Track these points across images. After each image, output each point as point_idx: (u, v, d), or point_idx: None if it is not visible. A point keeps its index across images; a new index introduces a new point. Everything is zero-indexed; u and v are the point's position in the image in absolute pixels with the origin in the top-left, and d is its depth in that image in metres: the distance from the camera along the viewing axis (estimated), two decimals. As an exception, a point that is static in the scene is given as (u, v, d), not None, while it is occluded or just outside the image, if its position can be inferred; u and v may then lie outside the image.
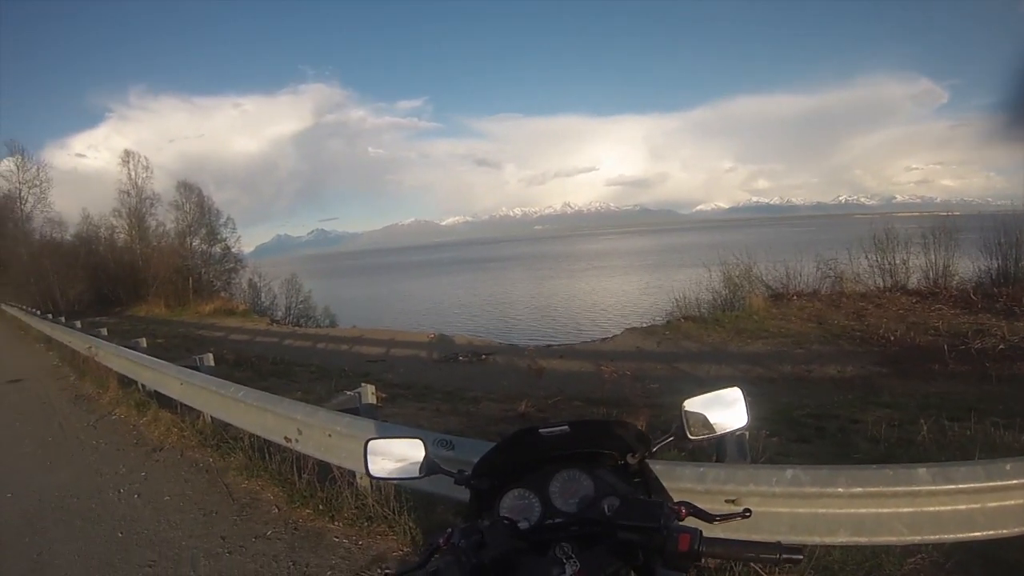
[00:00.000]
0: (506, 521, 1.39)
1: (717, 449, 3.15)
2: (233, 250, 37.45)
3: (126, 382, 8.84)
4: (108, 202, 37.00)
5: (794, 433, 6.30)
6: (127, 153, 37.15)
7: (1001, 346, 10.18)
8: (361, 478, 4.39)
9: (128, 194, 36.34)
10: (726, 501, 2.71)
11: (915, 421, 5.81)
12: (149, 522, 4.69)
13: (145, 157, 37.44)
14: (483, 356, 14.48)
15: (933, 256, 15.72)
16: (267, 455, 5.37)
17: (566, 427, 1.51)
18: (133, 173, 36.44)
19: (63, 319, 18.31)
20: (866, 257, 16.62)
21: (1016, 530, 2.70)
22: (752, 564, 1.14)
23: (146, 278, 32.74)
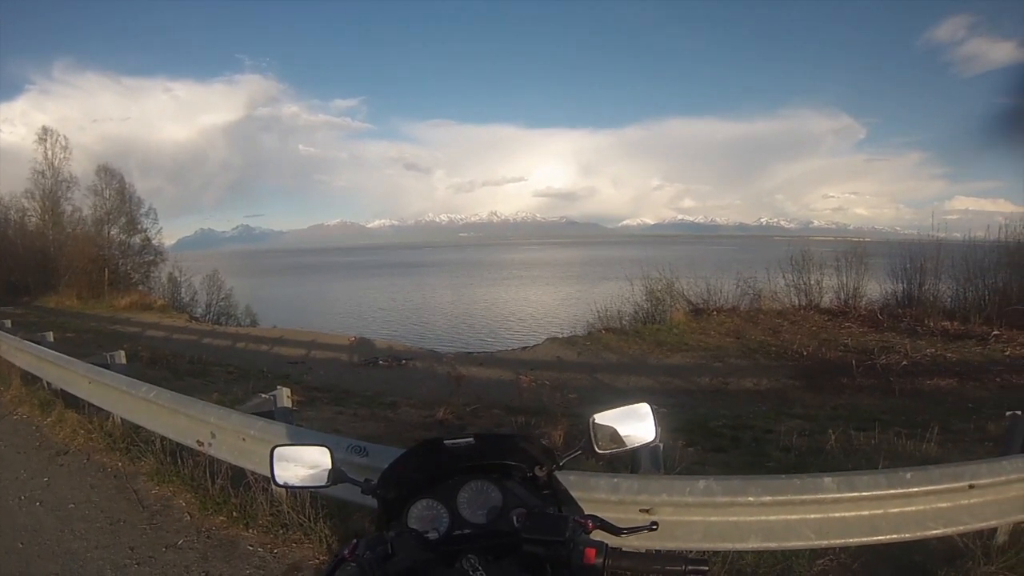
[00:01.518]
0: (414, 532, 1.36)
1: (632, 461, 3.20)
2: (154, 242, 35.49)
3: (30, 379, 8.22)
4: (21, 182, 34.47)
5: (711, 443, 6.47)
6: (45, 130, 34.43)
7: (904, 362, 10.77)
8: (276, 487, 4.26)
9: (43, 175, 33.72)
10: (640, 511, 2.74)
11: (825, 431, 6.05)
12: (52, 532, 4.40)
13: (64, 136, 34.92)
14: (403, 361, 14.36)
15: (845, 278, 16.63)
16: (179, 459, 5.12)
17: (471, 439, 1.50)
18: (50, 152, 33.92)
19: (-37, 308, 17.17)
20: (783, 277, 17.33)
21: (918, 534, 2.85)
22: None
23: (58, 267, 30.62)
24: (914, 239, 16.73)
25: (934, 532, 2.90)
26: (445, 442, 1.50)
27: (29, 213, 34.41)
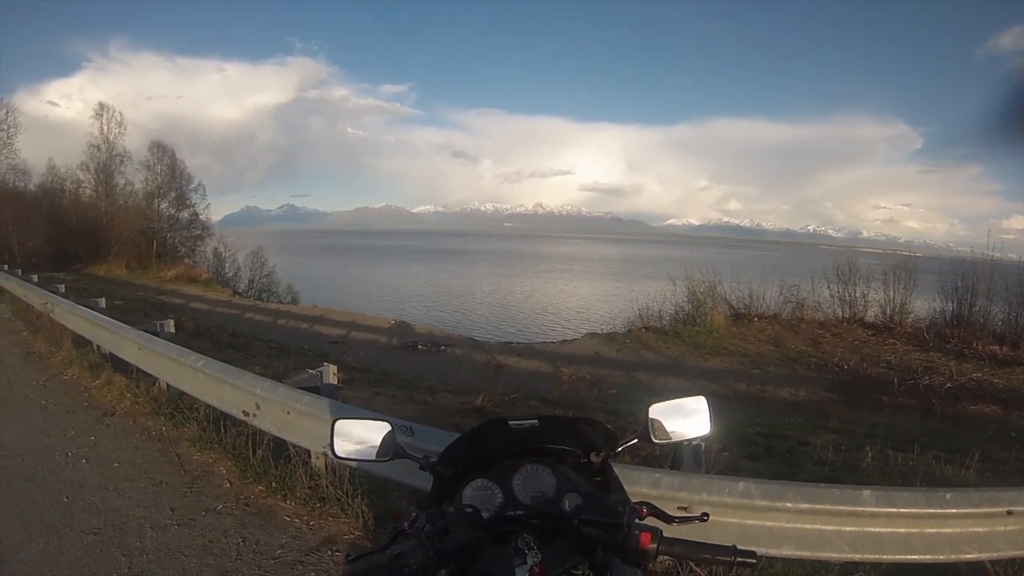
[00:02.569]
0: (469, 509, 1.42)
1: (673, 457, 3.21)
2: (201, 217, 36.38)
3: (81, 342, 8.53)
4: (76, 155, 35.26)
5: (745, 450, 6.43)
6: (101, 106, 35.58)
7: (948, 384, 10.51)
8: (316, 458, 4.33)
9: (98, 149, 34.81)
10: (679, 508, 2.76)
11: (861, 448, 5.96)
12: (96, 489, 4.53)
13: (120, 112, 36.02)
14: (442, 347, 14.47)
15: (892, 292, 16.27)
16: (222, 428, 5.22)
17: (536, 421, 1.55)
18: (105, 128, 34.98)
19: (19, 271, 17.75)
20: (828, 287, 17.02)
21: (951, 557, 2.82)
22: (706, 565, 1.18)
23: (109, 237, 31.51)
24: (967, 257, 16.26)
25: (968, 556, 2.85)
26: (510, 423, 1.55)
27: (83, 185, 35.56)
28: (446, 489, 1.59)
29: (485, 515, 1.45)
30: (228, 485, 4.61)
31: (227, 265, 33.51)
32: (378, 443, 1.74)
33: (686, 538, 1.26)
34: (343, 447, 1.77)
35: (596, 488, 1.58)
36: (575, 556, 1.30)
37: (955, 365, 11.69)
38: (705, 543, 1.24)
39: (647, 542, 1.21)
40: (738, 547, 1.21)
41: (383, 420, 1.80)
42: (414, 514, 1.37)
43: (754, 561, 1.21)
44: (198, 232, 36.09)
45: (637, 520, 1.31)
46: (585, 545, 1.29)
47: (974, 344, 13.24)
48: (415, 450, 1.78)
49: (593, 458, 1.62)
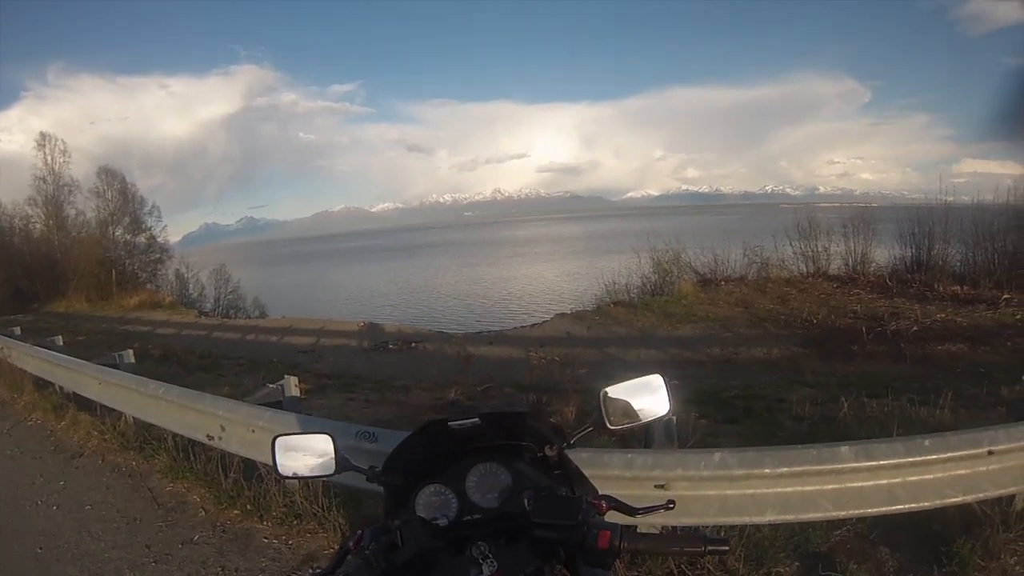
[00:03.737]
0: (421, 520, 1.34)
1: (645, 435, 3.16)
2: (159, 240, 35.53)
3: (42, 384, 8.24)
4: (23, 190, 34.51)
5: (723, 414, 6.45)
6: (43, 136, 34.30)
7: (915, 328, 10.70)
8: (280, 478, 4.25)
9: (44, 180, 33.64)
10: (655, 486, 2.71)
11: (836, 399, 6.01)
12: (70, 534, 4.41)
13: (63, 140, 34.85)
14: (413, 344, 14.35)
15: (852, 244, 16.52)
16: (192, 455, 5.13)
17: (476, 419, 1.44)
18: (50, 158, 33.84)
19: (-28, 319, 17.24)
20: (790, 244, 17.22)
21: (936, 502, 2.82)
22: (676, 557, 1.11)
23: (66, 271, 30.66)
24: (922, 203, 16.57)
25: (953, 500, 2.86)
26: (449, 423, 1.45)
27: (33, 220, 34.40)
28: (400, 498, 1.50)
29: (441, 522, 1.37)
30: (203, 513, 4.52)
31: (191, 286, 32.87)
32: (326, 455, 1.62)
33: (652, 528, 1.18)
34: (289, 464, 1.66)
35: (556, 483, 1.48)
36: (534, 560, 1.21)
37: (920, 308, 11.89)
38: (673, 534, 1.17)
39: (606, 541, 1.12)
40: (708, 536, 1.13)
41: (325, 432, 1.68)
42: (359, 531, 1.27)
43: (726, 548, 1.13)
44: (157, 255, 35.31)
45: (598, 516, 1.23)
46: (544, 548, 1.21)
47: (936, 286, 13.49)
48: (381, 456, 1.69)
49: (548, 451, 1.51)
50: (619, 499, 1.31)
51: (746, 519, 2.82)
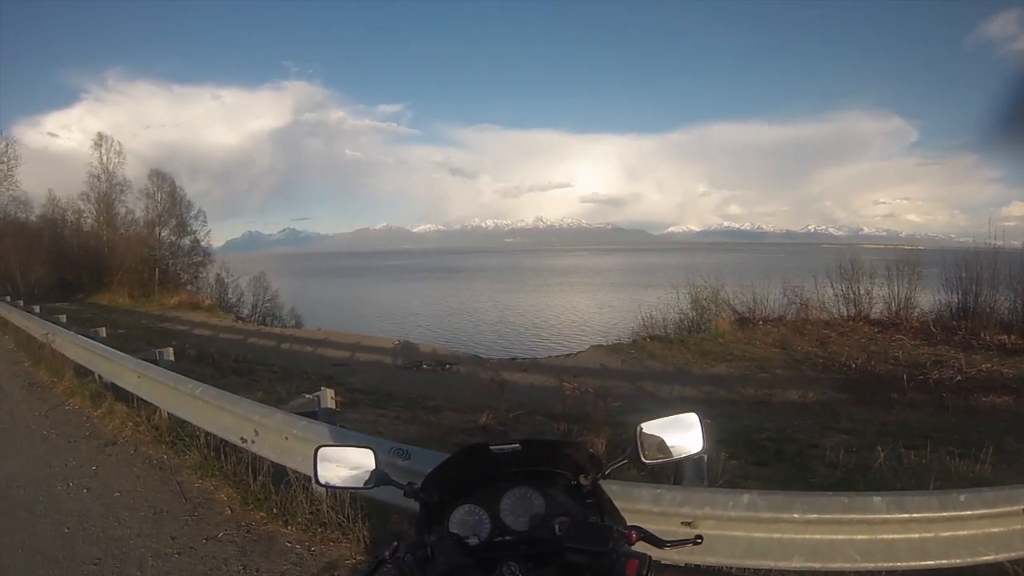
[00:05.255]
0: (454, 537, 1.37)
1: (675, 471, 3.15)
2: (202, 243, 36.53)
3: (82, 372, 8.54)
4: (77, 185, 35.51)
5: (754, 456, 6.36)
6: (100, 136, 35.84)
7: (958, 378, 10.39)
8: (319, 487, 4.30)
9: (98, 178, 35.04)
10: (682, 524, 2.70)
11: (872, 448, 5.87)
12: (97, 518, 4.53)
13: (118, 142, 36.26)
14: (447, 365, 14.44)
15: (896, 288, 16.13)
16: (223, 455, 5.22)
17: (517, 445, 1.49)
18: (105, 157, 35.21)
19: (21, 302, 17.81)
20: (832, 286, 16.92)
21: (968, 560, 2.74)
22: None
23: (111, 266, 31.70)
24: (969, 247, 16.17)
25: (986, 558, 2.78)
26: (491, 448, 1.51)
27: (84, 215, 35.85)
28: (434, 515, 1.54)
29: (473, 542, 1.41)
30: (229, 512, 4.59)
31: (230, 291, 33.59)
32: (365, 469, 1.69)
33: (683, 560, 1.20)
34: (328, 474, 1.72)
35: (587, 511, 1.52)
36: None
37: (964, 357, 11.56)
38: (699, 568, 1.18)
39: (633, 570, 1.16)
40: (732, 574, 1.15)
41: (367, 446, 1.74)
42: (395, 543, 1.32)
43: None
44: (200, 258, 36.22)
45: (627, 546, 1.26)
46: (573, 572, 1.23)
47: (982, 335, 13.11)
48: (412, 473, 1.73)
49: (583, 480, 1.56)
50: (648, 531, 1.33)
51: (771, 563, 2.78)
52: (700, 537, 1.39)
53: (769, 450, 6.64)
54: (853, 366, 11.97)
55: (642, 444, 1.60)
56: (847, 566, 2.77)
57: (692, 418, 1.64)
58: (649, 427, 1.61)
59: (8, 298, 19.69)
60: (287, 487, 4.48)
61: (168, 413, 6.30)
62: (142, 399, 6.71)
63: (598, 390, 9.46)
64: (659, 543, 1.34)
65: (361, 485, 1.68)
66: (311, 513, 4.23)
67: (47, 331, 10.45)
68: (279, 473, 4.64)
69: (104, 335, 9.81)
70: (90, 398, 7.66)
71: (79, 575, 3.74)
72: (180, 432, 5.97)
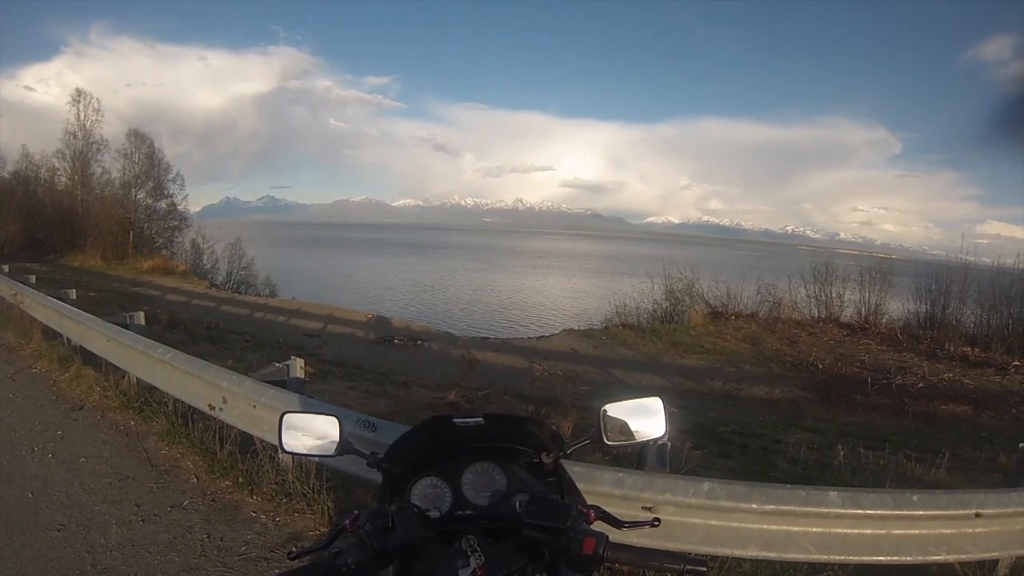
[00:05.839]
0: (415, 508, 1.37)
1: (638, 457, 3.19)
2: (179, 208, 35.87)
3: (51, 334, 8.33)
4: (52, 142, 34.71)
5: (718, 448, 6.45)
6: (79, 92, 34.80)
7: (921, 384, 10.66)
8: (283, 454, 4.26)
9: (74, 136, 34.03)
10: (643, 508, 2.73)
11: (833, 446, 6.00)
12: (62, 484, 4.46)
13: (97, 99, 35.32)
14: (419, 341, 14.44)
15: (867, 294, 16.52)
16: (190, 422, 5.16)
17: (481, 419, 1.50)
18: (83, 114, 34.21)
19: (-10, 262, 17.44)
20: (805, 287, 17.22)
21: (919, 558, 2.82)
22: (655, 572, 1.15)
23: (84, 227, 30.97)
24: (942, 260, 16.53)
25: (936, 558, 2.85)
26: (455, 420, 1.51)
27: (59, 173, 34.84)
28: (396, 486, 1.54)
29: (434, 514, 1.41)
30: (195, 480, 4.55)
31: (205, 257, 33.11)
32: (330, 438, 1.68)
33: (637, 544, 1.22)
34: (293, 441, 1.71)
35: (548, 489, 1.53)
36: (520, 559, 1.25)
37: (928, 365, 11.86)
38: (655, 550, 1.20)
39: (591, 547, 1.17)
40: (688, 555, 1.17)
41: (332, 414, 1.74)
42: (355, 512, 1.32)
43: (704, 570, 1.16)
44: (176, 223, 35.57)
45: (585, 524, 1.26)
46: (531, 548, 1.25)
47: (946, 345, 13.45)
48: (378, 446, 1.73)
49: (544, 458, 1.57)
50: (608, 511, 1.35)
51: (728, 551, 2.83)
52: (658, 520, 1.41)
53: (734, 443, 6.74)
54: (820, 366, 12.19)
55: (605, 426, 1.61)
56: (801, 557, 2.83)
57: (656, 403, 1.65)
58: (613, 409, 1.63)
59: (-24, 258, 19.27)
60: (254, 456, 4.45)
61: (136, 378, 6.18)
62: (111, 364, 6.57)
63: (567, 374, 9.53)
64: (617, 524, 1.35)
65: (326, 453, 1.68)
66: (277, 483, 4.20)
67: (15, 292, 10.22)
68: (246, 442, 4.59)
69: (74, 297, 9.59)
70: (58, 361, 7.50)
71: (43, 541, 3.68)
72: (148, 398, 5.87)
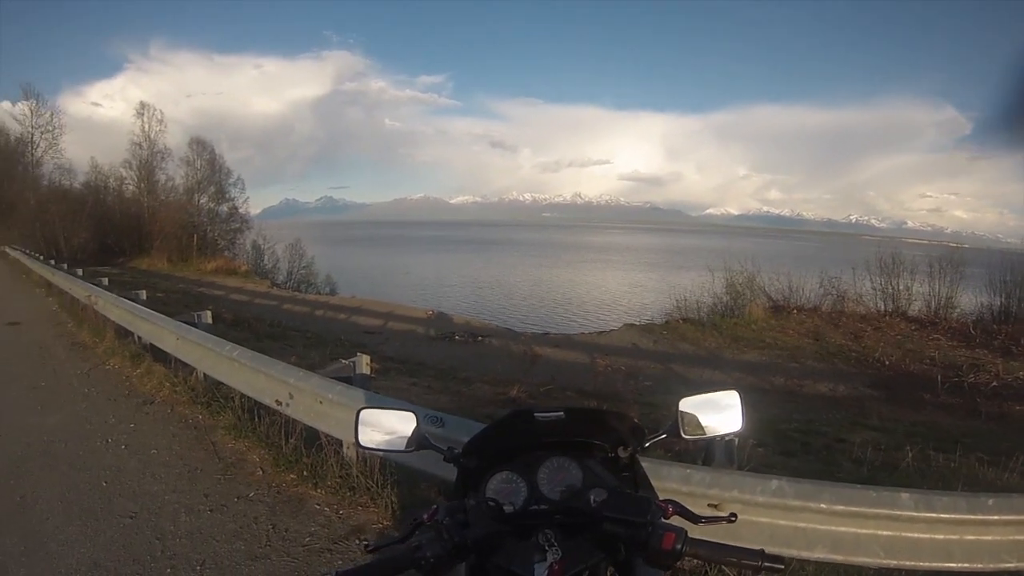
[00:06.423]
0: (491, 503, 1.39)
1: (705, 452, 3.15)
2: (240, 210, 37.25)
3: (123, 333, 8.76)
4: (119, 153, 36.74)
5: (780, 446, 6.32)
6: (142, 105, 37.01)
7: (994, 383, 10.21)
8: (348, 448, 4.35)
9: (140, 146, 36.09)
10: (709, 505, 2.71)
11: (901, 447, 5.80)
12: (134, 474, 4.67)
13: (160, 110, 37.24)
14: (479, 337, 14.53)
15: (937, 286, 15.82)
16: (256, 417, 5.33)
17: (561, 413, 1.50)
18: (147, 126, 36.23)
19: (65, 266, 18.28)
20: (870, 279, 16.64)
21: (991, 566, 2.71)
22: (732, 568, 1.14)
23: (151, 231, 32.51)
24: (1017, 249, 15.75)
25: (1008, 566, 2.72)
26: (535, 414, 1.51)
27: (126, 181, 36.96)
28: (470, 481, 1.57)
29: (508, 509, 1.43)
30: (261, 473, 4.68)
31: (266, 257, 34.10)
32: (403, 433, 1.73)
33: (712, 540, 1.22)
34: (368, 437, 1.76)
35: (623, 484, 1.54)
36: (597, 554, 1.27)
37: (1002, 363, 11.32)
38: (732, 546, 1.19)
39: (670, 543, 1.17)
40: (766, 551, 1.16)
41: (409, 410, 1.78)
42: (434, 506, 1.35)
43: (781, 567, 1.17)
44: (237, 225, 36.84)
45: (663, 519, 1.27)
46: (608, 543, 1.27)
47: (1023, 341, 12.81)
48: (446, 441, 1.76)
49: (621, 453, 1.58)
50: (684, 505, 1.35)
51: (795, 552, 2.77)
52: (734, 515, 1.40)
53: (796, 441, 6.61)
54: (887, 363, 11.83)
55: (683, 420, 1.62)
56: (869, 561, 2.76)
57: (733, 397, 1.65)
58: (689, 403, 1.63)
59: (53, 262, 20.22)
60: (318, 451, 4.55)
61: (204, 374, 6.42)
62: (179, 360, 6.86)
63: (629, 369, 9.45)
64: (694, 518, 1.36)
65: (401, 448, 1.72)
66: (341, 477, 4.29)
67: (90, 293, 10.70)
68: (311, 436, 4.71)
69: (144, 298, 10.01)
70: (129, 358, 7.85)
71: (115, 528, 3.85)
72: (215, 393, 6.10)
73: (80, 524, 3.89)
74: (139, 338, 8.28)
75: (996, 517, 2.65)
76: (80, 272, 15.31)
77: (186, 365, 6.77)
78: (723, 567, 2.79)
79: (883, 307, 16.28)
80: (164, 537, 3.75)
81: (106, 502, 4.21)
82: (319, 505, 4.15)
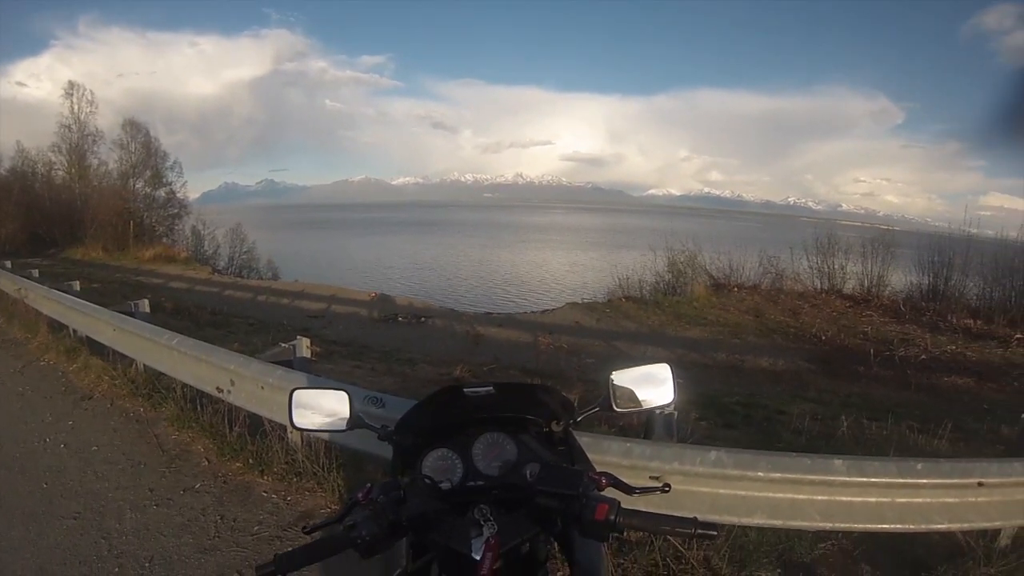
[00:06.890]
0: (427, 480, 1.40)
1: (645, 427, 3.21)
2: (178, 195, 35.73)
3: (57, 327, 8.33)
4: (47, 136, 34.55)
5: (722, 419, 6.47)
6: (71, 85, 34.71)
7: (923, 356, 10.70)
8: (292, 433, 4.31)
9: (69, 129, 34.03)
10: (650, 477, 2.76)
11: (837, 417, 5.99)
12: (75, 473, 4.52)
13: (90, 91, 35.18)
14: (422, 319, 14.47)
15: (870, 265, 16.45)
16: (199, 406, 5.21)
17: (491, 388, 1.51)
18: (76, 107, 34.20)
19: (-8, 259, 17.46)
20: (807, 259, 17.18)
21: (922, 526, 2.84)
22: (668, 537, 1.15)
23: (84, 219, 30.88)
24: (944, 232, 16.47)
25: (939, 526, 2.88)
26: (464, 390, 1.52)
27: (56, 167, 34.78)
28: (407, 459, 1.56)
29: (445, 486, 1.43)
30: (206, 463, 4.61)
31: (206, 243, 33.05)
32: (340, 414, 1.71)
33: (646, 510, 1.23)
34: (303, 418, 1.74)
35: (559, 458, 1.55)
36: (533, 527, 1.27)
37: (930, 338, 11.87)
38: (665, 515, 1.21)
39: (603, 514, 1.18)
40: (700, 519, 1.18)
41: (341, 389, 1.76)
42: (368, 485, 1.35)
43: (715, 533, 1.18)
44: (175, 211, 35.47)
45: (596, 491, 1.28)
46: (544, 516, 1.27)
47: (949, 317, 13.43)
48: (386, 421, 1.76)
49: (554, 427, 1.59)
50: (618, 477, 1.37)
51: (735, 519, 2.86)
52: (668, 486, 1.42)
53: (738, 414, 6.75)
54: (823, 338, 12.23)
55: (614, 393, 1.63)
56: (806, 525, 2.86)
57: (665, 370, 1.67)
58: (621, 377, 1.64)
59: (-23, 256, 19.25)
60: (263, 437, 4.50)
61: (144, 366, 6.23)
62: (118, 352, 6.61)
63: (572, 347, 9.53)
64: (628, 490, 1.36)
65: (336, 428, 1.71)
66: (287, 463, 4.26)
67: (20, 287, 10.22)
68: (255, 423, 4.66)
69: (78, 289, 9.63)
70: (65, 353, 7.54)
71: (59, 530, 3.73)
72: (156, 385, 5.95)
73: (22, 528, 3.75)
74: (74, 331, 7.91)
75: (925, 481, 2.77)
76: (8, 264, 14.63)
77: (125, 357, 6.54)
78: (668, 537, 2.86)
79: (819, 285, 16.82)
80: (110, 536, 3.66)
81: (48, 504, 4.07)
82: (266, 493, 4.12)
